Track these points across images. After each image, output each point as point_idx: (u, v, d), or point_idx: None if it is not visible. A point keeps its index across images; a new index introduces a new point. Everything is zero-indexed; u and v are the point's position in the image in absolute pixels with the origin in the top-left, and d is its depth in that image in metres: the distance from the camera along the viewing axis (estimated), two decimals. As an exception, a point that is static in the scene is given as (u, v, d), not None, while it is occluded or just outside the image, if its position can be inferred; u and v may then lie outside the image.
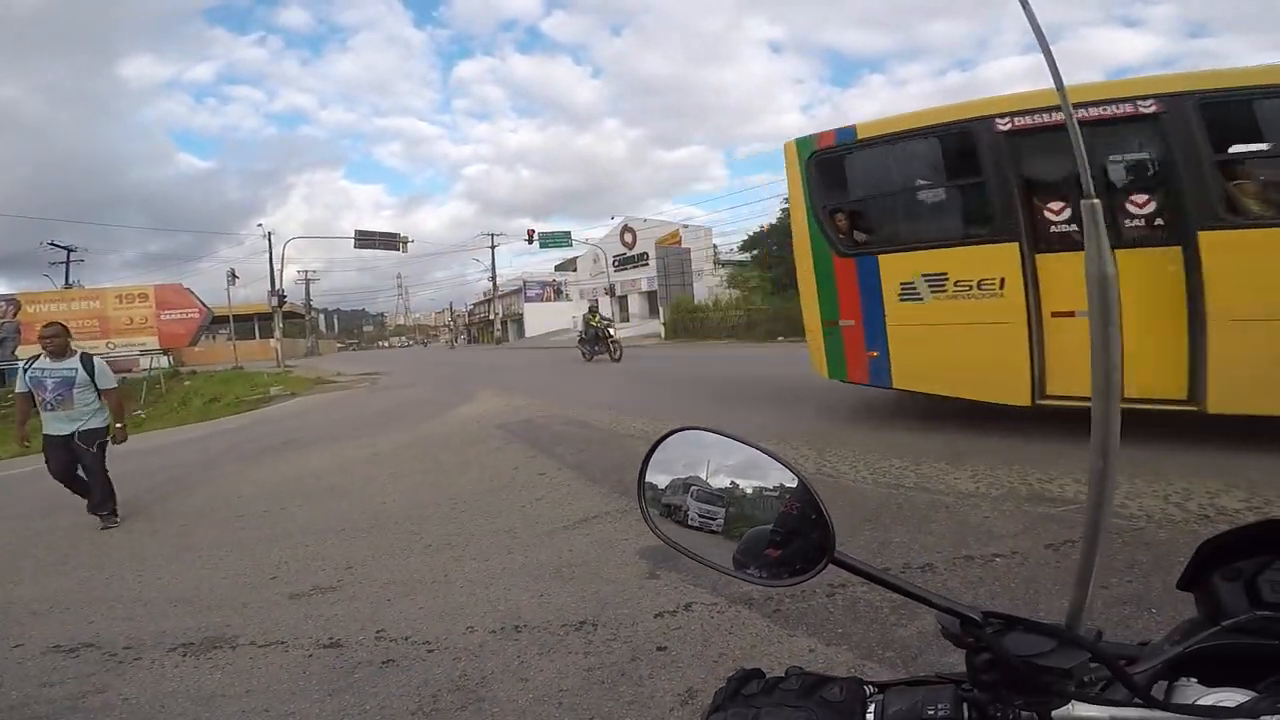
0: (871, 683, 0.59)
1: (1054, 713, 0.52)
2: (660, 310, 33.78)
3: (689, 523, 0.64)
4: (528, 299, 49.76)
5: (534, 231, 36.26)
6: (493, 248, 46.54)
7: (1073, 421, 4.45)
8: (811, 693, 0.57)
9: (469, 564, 3.75)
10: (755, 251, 38.26)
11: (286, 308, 42.62)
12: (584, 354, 18.56)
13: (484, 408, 10.19)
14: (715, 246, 37.11)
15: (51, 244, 33.87)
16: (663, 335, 32.29)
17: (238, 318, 40.93)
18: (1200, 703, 0.52)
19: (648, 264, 37.21)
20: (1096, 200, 0.57)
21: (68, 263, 34.01)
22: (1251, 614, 0.57)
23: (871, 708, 0.55)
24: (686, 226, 38.80)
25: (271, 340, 47.25)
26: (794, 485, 0.61)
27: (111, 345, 23.41)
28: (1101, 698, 0.52)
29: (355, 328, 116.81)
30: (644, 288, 39.27)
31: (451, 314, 71.08)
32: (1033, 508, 3.71)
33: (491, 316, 51.38)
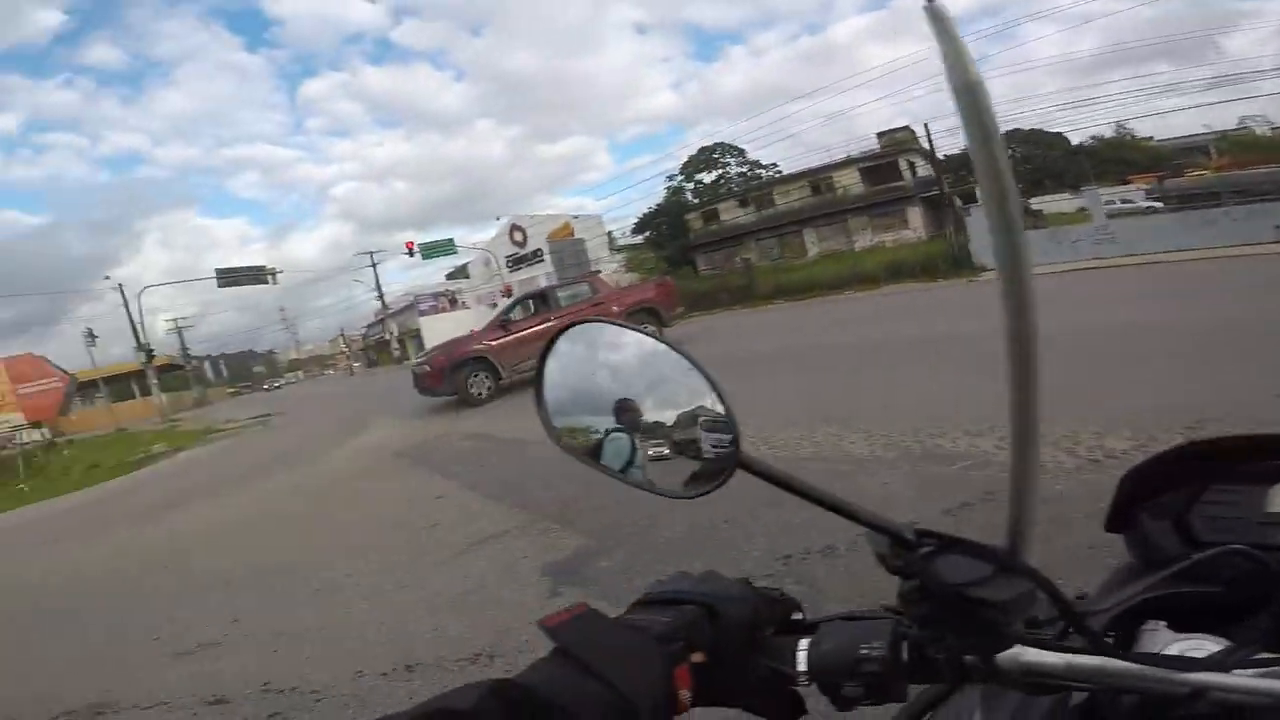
0: (804, 618, 0.54)
1: (998, 656, 0.45)
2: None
3: (592, 431, 0.56)
4: (421, 313, 47.93)
5: (413, 244, 34.90)
6: (374, 265, 44.48)
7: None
8: None
9: (360, 605, 3.60)
10: (647, 233, 38.84)
11: (163, 360, 42.27)
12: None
13: (379, 435, 9.83)
14: (610, 233, 37.24)
15: None
16: (570, 328, 32.16)
17: (112, 379, 38.90)
18: (1167, 651, 0.45)
19: (543, 259, 36.85)
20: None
21: None
22: (1190, 559, 0.50)
23: (803, 644, 0.50)
24: (576, 217, 38.75)
25: (153, 397, 44.64)
26: (700, 383, 0.52)
27: (-36, 422, 21.73)
28: (1052, 642, 0.44)
29: (245, 369, 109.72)
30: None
31: (345, 340, 67.86)
32: (927, 468, 3.74)
33: (386, 336, 49.17)
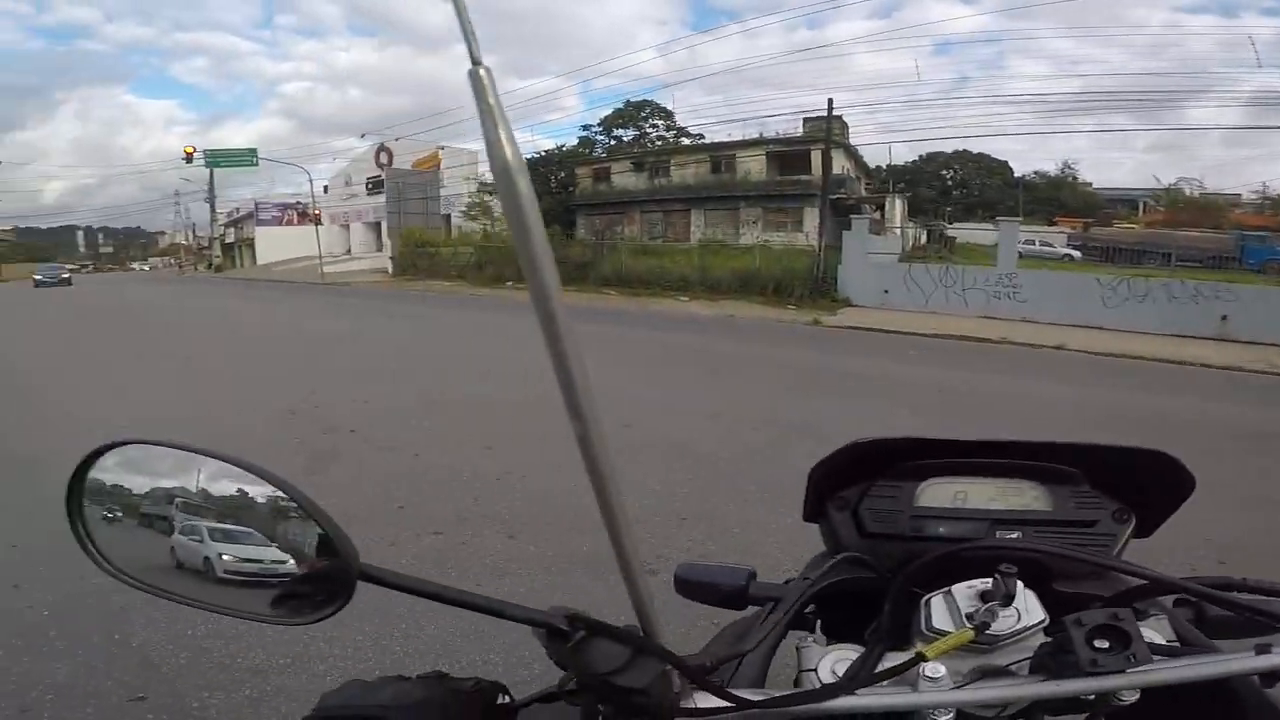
0: (511, 700, 0.52)
1: None
2: (387, 243, 27.64)
3: (170, 560, 0.49)
4: (260, 222, 40.66)
5: (194, 150, 27.63)
6: (210, 166, 36.09)
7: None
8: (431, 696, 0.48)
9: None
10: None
11: None
12: None
13: None
14: (480, 173, 31.10)
15: None
16: (390, 271, 26.42)
17: None
18: (819, 669, 0.52)
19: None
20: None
21: None
22: (811, 580, 0.59)
23: None
24: (444, 148, 32.37)
25: None
26: (281, 496, 0.46)
27: None
28: (693, 710, 0.47)
29: (131, 246, 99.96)
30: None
31: (193, 236, 59.32)
32: None
33: (205, 242, 41.85)
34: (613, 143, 37.64)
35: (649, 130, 39.54)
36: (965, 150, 47.64)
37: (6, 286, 35.46)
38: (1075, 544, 0.61)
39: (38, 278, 33.13)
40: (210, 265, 45.71)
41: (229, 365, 8.08)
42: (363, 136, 37.36)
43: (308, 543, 0.45)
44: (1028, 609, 0.50)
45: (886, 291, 14.72)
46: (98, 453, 0.50)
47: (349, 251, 35.88)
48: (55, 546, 2.68)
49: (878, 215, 24.20)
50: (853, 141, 29.04)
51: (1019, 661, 0.49)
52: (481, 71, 0.31)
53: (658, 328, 11.37)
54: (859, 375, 7.45)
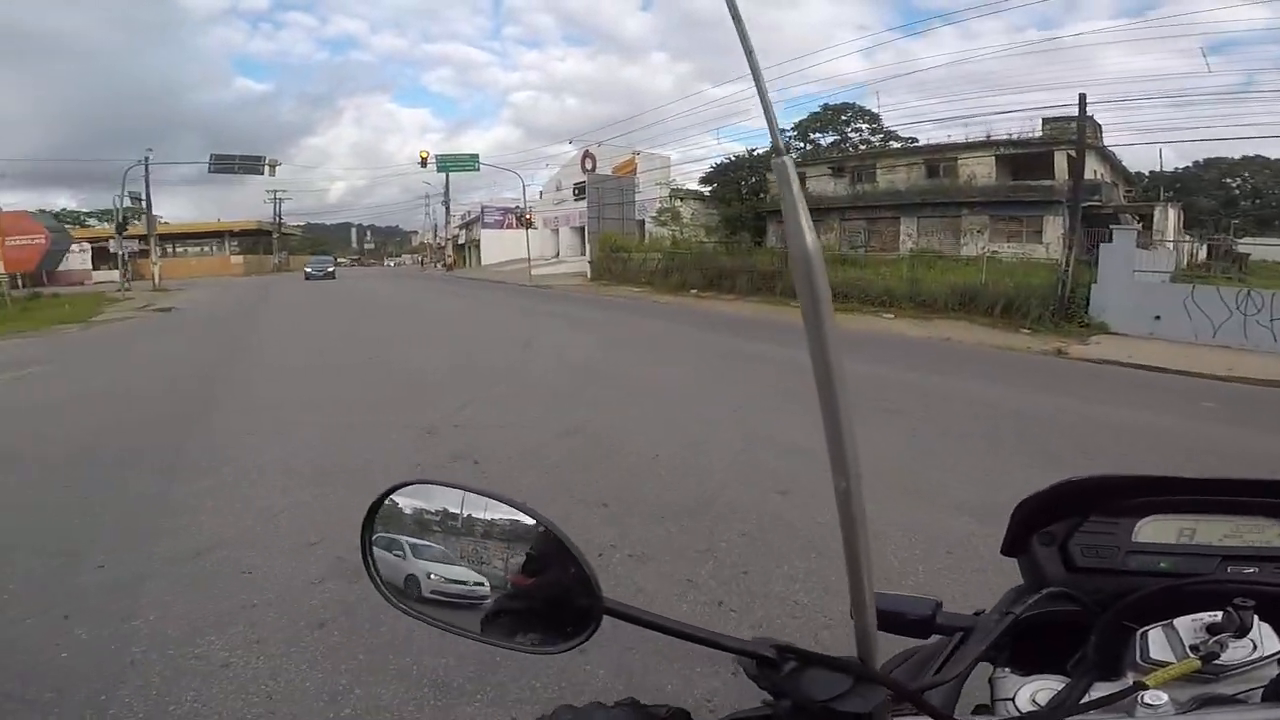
0: None
1: None
2: (588, 247, 28.85)
3: (433, 591, 0.56)
4: (485, 225, 44.99)
5: (428, 154, 30.78)
6: (449, 172, 40.70)
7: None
8: None
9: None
10: (715, 185, 32.59)
11: (250, 224, 53.27)
12: None
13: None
14: (672, 179, 31.42)
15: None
16: (589, 275, 27.55)
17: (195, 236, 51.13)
18: (1018, 698, 0.53)
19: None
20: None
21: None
22: (1011, 615, 0.59)
23: None
24: (639, 153, 33.13)
25: (231, 256, 48.20)
26: (540, 531, 0.54)
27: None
28: None
29: (389, 243, 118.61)
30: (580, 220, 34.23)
31: (435, 236, 68.02)
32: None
33: (442, 242, 47.41)
34: (808, 147, 35.86)
35: (851, 134, 37.11)
36: (1258, 155, 38.17)
37: (289, 275, 43.19)
38: None
39: (308, 270, 36.84)
40: (442, 264, 51.87)
41: (361, 377, 8.52)
42: (570, 142, 39.77)
43: (563, 576, 0.51)
44: (1262, 640, 0.50)
45: (1158, 318, 11.80)
46: (386, 494, 0.58)
47: (557, 254, 38.31)
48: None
49: (1140, 226, 20.04)
50: (1107, 143, 24.51)
51: (1248, 691, 0.49)
52: (786, 160, 0.34)
53: (853, 350, 10.09)
54: (1133, 432, 5.48)
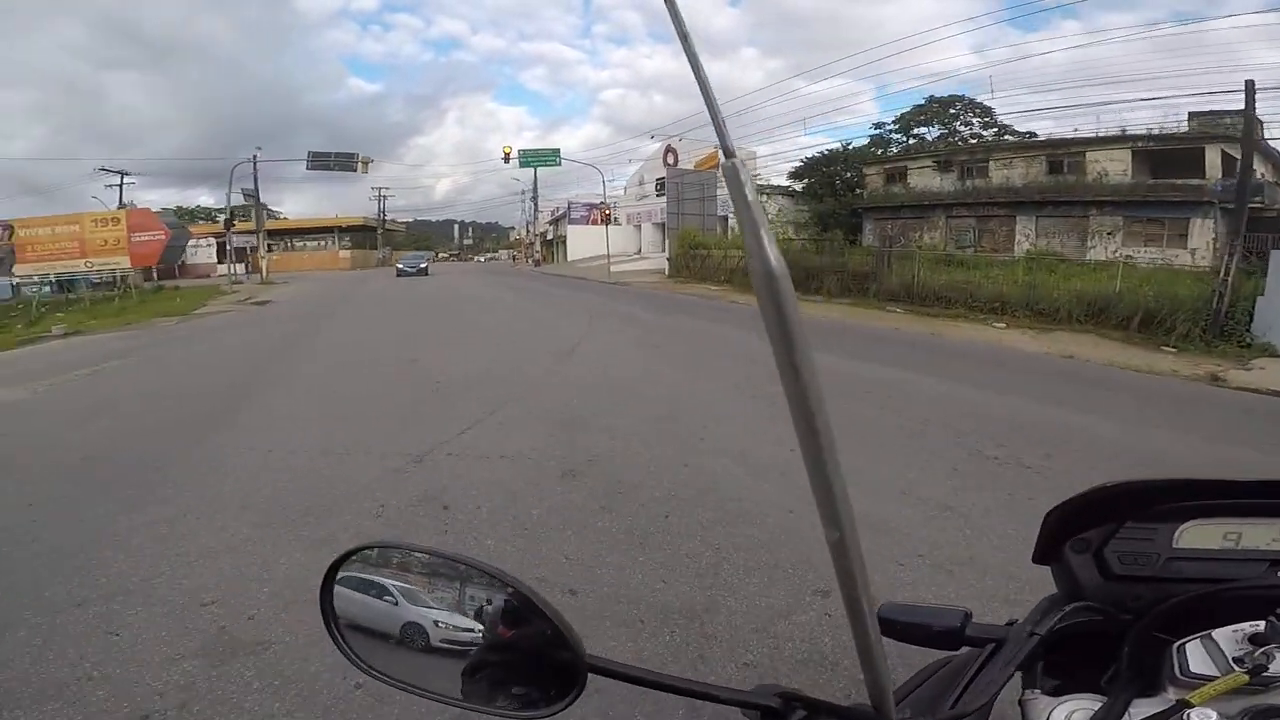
0: None
1: None
2: (667, 244, 28.09)
3: (408, 649, 0.54)
4: (571, 221, 45.13)
5: (511, 149, 30.88)
6: (534, 168, 40.97)
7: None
8: None
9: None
10: (806, 181, 30.83)
11: (356, 220, 57.49)
12: None
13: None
14: (758, 173, 30.00)
15: (102, 169, 39.53)
16: (666, 272, 26.87)
17: (309, 231, 55.82)
18: (1051, 718, 0.51)
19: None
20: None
21: (121, 185, 39.56)
22: (1035, 635, 0.57)
23: None
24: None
25: (340, 251, 51.66)
26: (509, 593, 0.51)
27: (89, 264, 25.06)
28: None
29: (486, 239, 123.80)
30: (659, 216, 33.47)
31: (529, 231, 69.36)
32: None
33: (531, 238, 48.21)
34: (912, 141, 33.22)
35: (960, 128, 34.08)
36: None
37: (387, 270, 45.01)
38: None
39: (400, 266, 35.80)
40: (532, 260, 52.72)
41: (397, 391, 7.96)
42: (652, 137, 38.97)
43: (540, 639, 0.48)
44: None
45: (1345, 342, 9.60)
46: (345, 556, 0.55)
47: (639, 251, 37.74)
48: None
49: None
50: (1270, 139, 20.91)
51: None
52: (735, 163, 0.30)
53: (952, 363, 8.66)
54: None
